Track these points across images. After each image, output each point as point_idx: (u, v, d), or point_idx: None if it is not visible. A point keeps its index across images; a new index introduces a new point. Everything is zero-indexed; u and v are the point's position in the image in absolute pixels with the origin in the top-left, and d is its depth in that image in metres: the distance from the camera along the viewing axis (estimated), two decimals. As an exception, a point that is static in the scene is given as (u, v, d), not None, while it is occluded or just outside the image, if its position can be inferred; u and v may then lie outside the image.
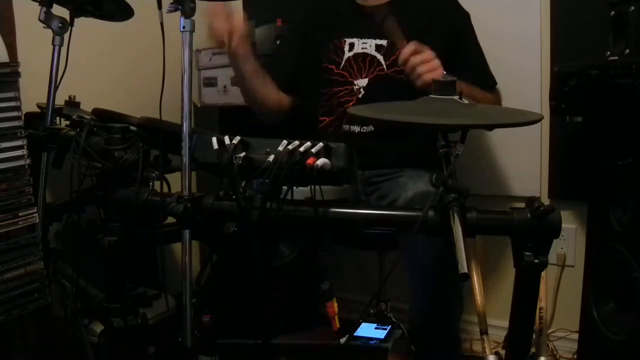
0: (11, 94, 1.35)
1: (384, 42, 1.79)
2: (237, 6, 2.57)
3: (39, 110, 1.70)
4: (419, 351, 1.71)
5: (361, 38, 1.82)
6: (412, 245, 1.52)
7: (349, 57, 1.83)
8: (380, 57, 1.79)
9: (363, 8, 1.86)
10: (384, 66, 1.78)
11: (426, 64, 1.54)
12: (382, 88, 1.77)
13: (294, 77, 1.92)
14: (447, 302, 1.61)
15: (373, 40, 1.81)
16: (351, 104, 1.79)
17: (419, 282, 1.59)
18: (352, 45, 1.83)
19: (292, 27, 2.07)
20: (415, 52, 1.54)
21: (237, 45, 1.62)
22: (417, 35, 1.75)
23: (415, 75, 1.55)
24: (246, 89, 1.83)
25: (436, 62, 1.54)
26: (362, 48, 1.81)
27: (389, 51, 1.78)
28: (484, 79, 1.81)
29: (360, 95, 1.79)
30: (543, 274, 1.07)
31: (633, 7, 1.44)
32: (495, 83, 1.84)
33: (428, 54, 1.55)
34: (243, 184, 1.14)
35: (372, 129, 1.76)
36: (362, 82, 1.80)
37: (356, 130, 1.78)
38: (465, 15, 1.85)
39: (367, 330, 1.82)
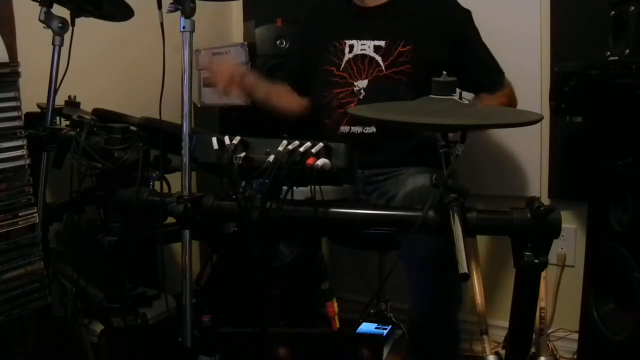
0: (11, 94, 1.35)
1: (382, 43, 1.79)
2: (238, 6, 2.58)
3: (39, 110, 1.69)
4: (419, 348, 1.70)
5: (360, 39, 1.82)
6: (411, 240, 1.52)
7: (349, 58, 1.83)
8: (378, 58, 1.79)
9: (362, 9, 1.86)
10: (383, 67, 1.78)
11: None
12: (382, 88, 1.77)
13: (305, 77, 1.95)
14: (445, 294, 1.60)
15: (372, 42, 1.81)
16: (352, 105, 1.79)
17: (415, 274, 1.59)
18: (351, 47, 1.83)
19: (298, 29, 2.10)
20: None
21: (241, 89, 1.79)
22: (418, 35, 1.76)
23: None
24: (266, 108, 1.90)
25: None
26: (361, 49, 1.82)
27: (387, 52, 1.78)
28: (495, 69, 1.82)
29: (360, 97, 1.79)
30: (543, 274, 1.07)
31: (633, 7, 1.45)
32: (503, 73, 1.83)
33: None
34: (243, 184, 1.14)
35: (375, 130, 1.76)
36: (362, 84, 1.80)
37: (358, 131, 1.78)
38: (466, 12, 1.85)
39: (367, 330, 1.82)
